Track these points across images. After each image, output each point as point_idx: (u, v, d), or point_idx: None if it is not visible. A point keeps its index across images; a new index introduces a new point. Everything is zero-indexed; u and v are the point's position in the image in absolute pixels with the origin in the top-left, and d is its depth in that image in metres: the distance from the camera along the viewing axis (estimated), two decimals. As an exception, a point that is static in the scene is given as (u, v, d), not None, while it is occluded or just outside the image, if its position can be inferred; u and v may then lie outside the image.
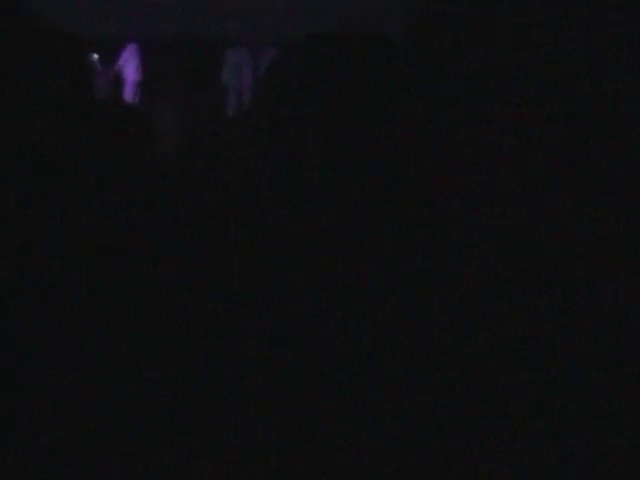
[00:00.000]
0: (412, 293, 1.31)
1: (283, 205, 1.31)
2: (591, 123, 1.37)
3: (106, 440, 1.40)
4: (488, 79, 1.29)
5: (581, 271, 1.33)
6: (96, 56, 8.55)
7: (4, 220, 1.52)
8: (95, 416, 1.40)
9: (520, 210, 1.32)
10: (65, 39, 1.67)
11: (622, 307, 1.31)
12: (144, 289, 1.49)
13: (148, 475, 1.39)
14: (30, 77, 1.60)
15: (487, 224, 1.33)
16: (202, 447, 1.39)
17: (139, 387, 1.39)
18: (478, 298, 1.27)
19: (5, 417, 1.41)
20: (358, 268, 1.28)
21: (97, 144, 1.92)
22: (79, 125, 1.65)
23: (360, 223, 1.25)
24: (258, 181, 1.36)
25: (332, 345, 1.34)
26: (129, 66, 10.03)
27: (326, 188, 1.25)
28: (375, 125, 1.27)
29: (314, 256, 1.28)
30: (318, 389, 1.30)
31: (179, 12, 10.63)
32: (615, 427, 1.26)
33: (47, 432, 1.41)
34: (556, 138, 1.38)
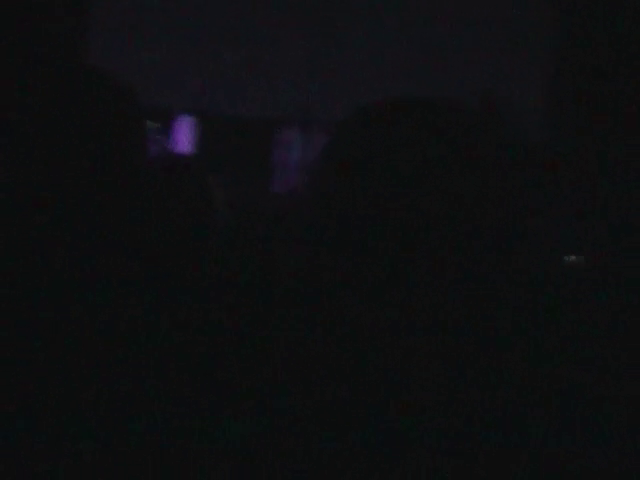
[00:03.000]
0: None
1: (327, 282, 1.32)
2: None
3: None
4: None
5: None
6: (156, 125, 8.68)
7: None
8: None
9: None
10: (129, 103, 1.70)
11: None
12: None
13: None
14: (89, 136, 1.64)
15: None
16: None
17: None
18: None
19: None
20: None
21: (155, 212, 1.95)
22: (131, 189, 1.68)
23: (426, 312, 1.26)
24: (304, 258, 1.38)
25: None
26: (183, 138, 10.17)
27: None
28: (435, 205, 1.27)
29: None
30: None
31: (235, 90, 10.80)
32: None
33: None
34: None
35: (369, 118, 1.39)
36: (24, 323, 1.51)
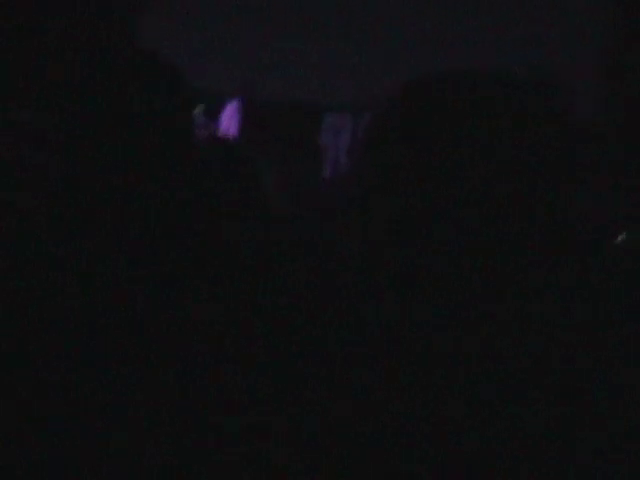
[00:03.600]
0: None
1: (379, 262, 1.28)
2: None
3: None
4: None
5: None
6: (201, 107, 8.69)
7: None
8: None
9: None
10: (176, 86, 1.67)
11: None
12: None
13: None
14: (137, 117, 1.61)
15: None
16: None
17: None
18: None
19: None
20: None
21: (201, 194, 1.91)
22: (179, 170, 1.65)
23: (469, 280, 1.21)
24: (353, 242, 1.33)
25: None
26: (230, 123, 10.18)
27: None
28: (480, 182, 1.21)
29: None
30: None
31: (285, 75, 10.79)
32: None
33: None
34: None
35: (417, 93, 1.34)
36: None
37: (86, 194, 1.59)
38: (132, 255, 1.55)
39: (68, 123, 1.61)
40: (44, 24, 1.81)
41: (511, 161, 1.23)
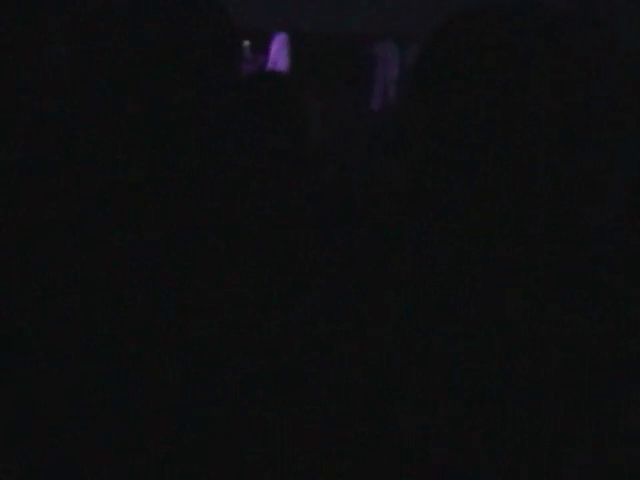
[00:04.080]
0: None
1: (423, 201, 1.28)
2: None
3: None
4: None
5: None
6: (247, 43, 8.66)
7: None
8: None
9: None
10: (220, 21, 1.68)
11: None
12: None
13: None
14: (180, 53, 1.62)
15: None
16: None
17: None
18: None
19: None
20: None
21: (246, 130, 1.93)
22: (224, 104, 1.66)
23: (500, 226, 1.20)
24: (401, 175, 1.33)
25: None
26: (278, 56, 10.13)
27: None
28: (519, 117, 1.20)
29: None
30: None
31: (331, 7, 10.68)
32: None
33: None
34: None
35: (462, 24, 1.32)
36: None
37: (131, 126, 1.61)
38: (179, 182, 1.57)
39: (113, 56, 1.62)
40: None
41: (559, 101, 1.22)
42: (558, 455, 1.22)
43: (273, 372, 1.36)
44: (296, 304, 1.41)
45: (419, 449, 1.23)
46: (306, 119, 2.05)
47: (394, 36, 10.70)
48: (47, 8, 1.71)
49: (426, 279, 1.29)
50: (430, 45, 1.31)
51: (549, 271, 1.24)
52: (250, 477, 1.33)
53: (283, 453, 1.29)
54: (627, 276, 1.26)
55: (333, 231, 1.53)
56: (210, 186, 1.59)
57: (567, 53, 1.27)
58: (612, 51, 1.30)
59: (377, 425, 1.25)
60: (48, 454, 1.42)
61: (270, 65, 9.93)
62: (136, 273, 1.50)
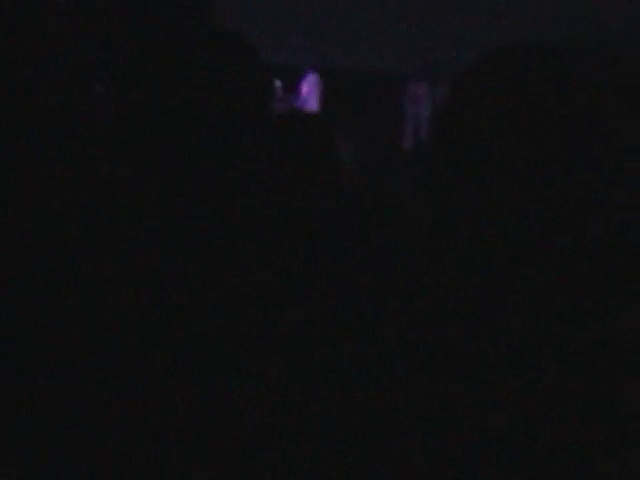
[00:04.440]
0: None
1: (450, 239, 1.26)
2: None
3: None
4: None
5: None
6: (279, 83, 8.70)
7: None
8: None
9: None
10: (252, 61, 1.68)
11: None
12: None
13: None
14: (214, 90, 1.62)
15: None
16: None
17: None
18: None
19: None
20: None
21: (281, 167, 1.92)
22: (257, 141, 1.65)
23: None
24: (432, 213, 1.31)
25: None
26: (309, 96, 10.17)
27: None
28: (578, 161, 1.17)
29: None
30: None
31: (362, 46, 10.73)
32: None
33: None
34: None
35: (493, 64, 1.30)
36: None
37: (160, 174, 1.61)
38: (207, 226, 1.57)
39: (150, 108, 1.62)
40: None
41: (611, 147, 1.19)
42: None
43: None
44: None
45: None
46: (338, 159, 2.03)
47: (426, 75, 10.72)
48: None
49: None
50: (460, 85, 1.29)
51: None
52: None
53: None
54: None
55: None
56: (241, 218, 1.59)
57: (594, 96, 1.24)
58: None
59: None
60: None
61: (301, 105, 9.97)
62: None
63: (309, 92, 10.19)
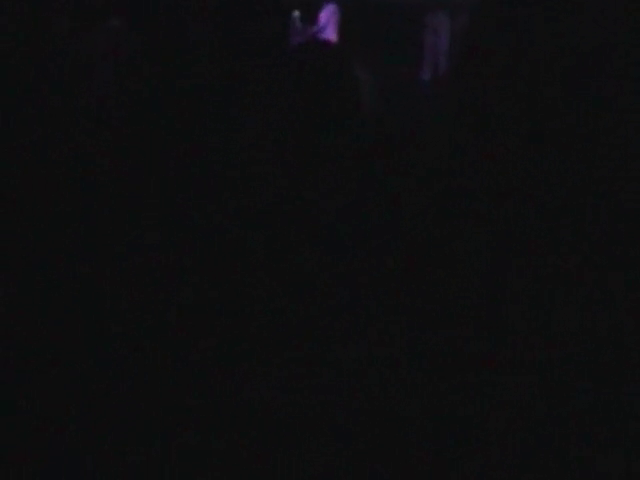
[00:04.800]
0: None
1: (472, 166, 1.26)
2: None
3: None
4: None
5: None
6: (297, 13, 8.62)
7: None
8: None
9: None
10: None
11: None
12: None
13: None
14: (231, 24, 1.61)
15: None
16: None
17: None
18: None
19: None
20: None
21: (299, 100, 1.92)
22: (275, 74, 1.65)
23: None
24: (450, 143, 1.31)
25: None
26: (327, 27, 10.07)
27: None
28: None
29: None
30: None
31: (380, -26, 10.58)
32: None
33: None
34: None
35: None
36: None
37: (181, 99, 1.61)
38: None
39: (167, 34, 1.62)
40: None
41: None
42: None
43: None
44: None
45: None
46: (356, 90, 2.03)
47: (444, 6, 10.59)
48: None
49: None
50: (476, 15, 1.28)
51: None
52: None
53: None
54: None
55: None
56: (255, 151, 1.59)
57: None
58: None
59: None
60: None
61: (320, 35, 9.88)
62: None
63: (327, 22, 10.10)
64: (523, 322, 1.23)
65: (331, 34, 10.50)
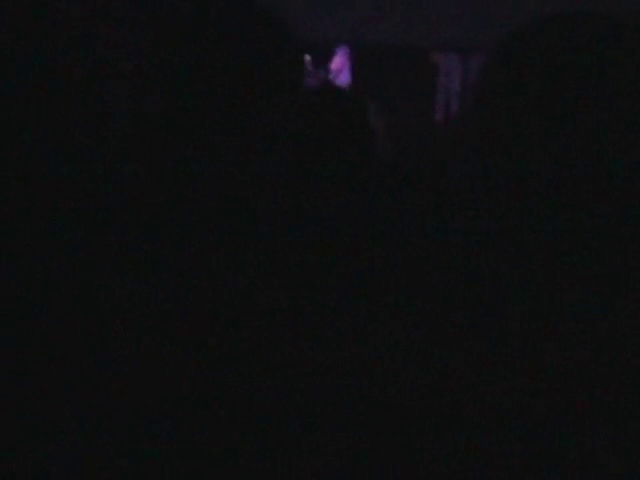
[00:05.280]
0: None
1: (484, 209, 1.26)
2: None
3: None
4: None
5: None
6: (308, 57, 8.68)
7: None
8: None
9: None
10: (279, 35, 1.68)
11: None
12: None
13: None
14: (241, 67, 1.62)
15: None
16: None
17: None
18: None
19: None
20: None
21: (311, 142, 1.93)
22: (286, 119, 1.66)
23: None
24: (464, 187, 1.32)
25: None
26: (341, 70, 10.14)
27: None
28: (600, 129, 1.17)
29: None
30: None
31: (392, 19, 10.65)
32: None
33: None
34: None
35: (531, 34, 1.29)
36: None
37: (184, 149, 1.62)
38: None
39: (175, 80, 1.63)
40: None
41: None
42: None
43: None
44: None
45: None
46: (372, 133, 2.04)
47: (456, 47, 10.65)
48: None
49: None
50: (507, 48, 1.27)
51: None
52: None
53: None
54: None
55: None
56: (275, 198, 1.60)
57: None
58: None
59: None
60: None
61: (332, 79, 9.94)
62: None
63: (341, 66, 10.17)
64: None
65: (346, 77, 10.58)
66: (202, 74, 1.59)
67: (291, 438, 1.29)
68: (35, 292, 1.46)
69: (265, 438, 1.30)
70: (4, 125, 1.57)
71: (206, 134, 1.57)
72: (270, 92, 1.63)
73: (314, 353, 1.36)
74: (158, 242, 1.51)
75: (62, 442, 1.39)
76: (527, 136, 1.24)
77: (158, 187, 1.56)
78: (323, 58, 9.78)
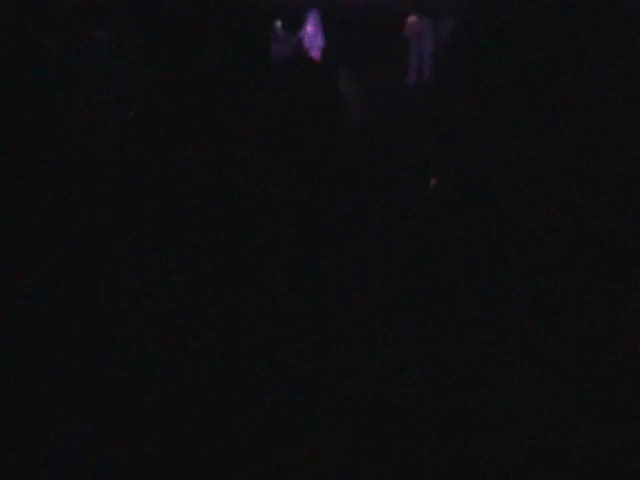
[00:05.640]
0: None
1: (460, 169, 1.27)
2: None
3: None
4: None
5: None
6: (279, 23, 8.64)
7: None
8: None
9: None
10: (248, 4, 1.68)
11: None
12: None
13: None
14: (212, 37, 1.62)
15: None
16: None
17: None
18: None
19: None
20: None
21: (277, 108, 1.93)
22: (256, 88, 1.66)
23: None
24: (437, 147, 1.32)
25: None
26: (312, 34, 10.10)
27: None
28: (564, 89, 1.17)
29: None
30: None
31: (363, -19, 10.60)
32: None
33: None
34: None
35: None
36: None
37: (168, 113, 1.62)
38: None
39: (149, 45, 1.62)
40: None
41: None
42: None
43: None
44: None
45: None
46: (341, 107, 2.05)
47: (428, 11, 10.62)
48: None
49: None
50: (466, 20, 1.29)
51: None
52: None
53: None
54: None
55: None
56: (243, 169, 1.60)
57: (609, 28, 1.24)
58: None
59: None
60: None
61: (307, 44, 9.90)
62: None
63: (315, 31, 10.12)
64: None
65: (320, 40, 10.52)
66: (169, 42, 1.59)
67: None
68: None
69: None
70: None
71: (175, 104, 1.58)
72: (239, 59, 1.63)
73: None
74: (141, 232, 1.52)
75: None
76: (496, 104, 1.25)
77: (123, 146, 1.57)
78: (294, 23, 9.73)
